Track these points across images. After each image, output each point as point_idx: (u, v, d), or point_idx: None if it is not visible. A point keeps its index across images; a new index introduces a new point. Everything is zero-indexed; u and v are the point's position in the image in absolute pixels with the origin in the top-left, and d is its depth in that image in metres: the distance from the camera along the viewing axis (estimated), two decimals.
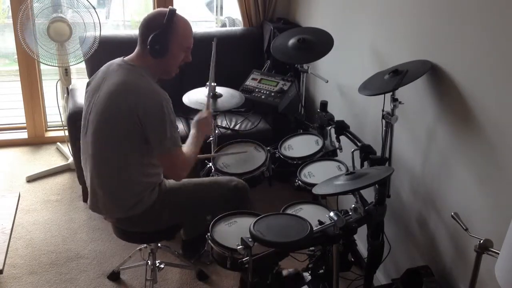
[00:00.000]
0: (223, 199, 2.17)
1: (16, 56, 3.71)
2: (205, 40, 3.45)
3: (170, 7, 1.99)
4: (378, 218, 1.99)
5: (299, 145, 2.48)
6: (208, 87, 2.51)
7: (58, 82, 3.38)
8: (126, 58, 2.04)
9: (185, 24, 2.02)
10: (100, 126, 1.98)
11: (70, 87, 3.31)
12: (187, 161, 2.05)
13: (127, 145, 1.97)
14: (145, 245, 2.47)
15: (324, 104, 2.50)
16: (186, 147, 2.10)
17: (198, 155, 2.19)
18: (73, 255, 2.69)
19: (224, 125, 3.16)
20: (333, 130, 2.35)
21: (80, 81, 3.53)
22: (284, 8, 3.74)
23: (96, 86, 2.04)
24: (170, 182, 2.18)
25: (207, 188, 2.21)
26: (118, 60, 2.05)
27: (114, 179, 2.02)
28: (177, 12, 1.98)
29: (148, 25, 1.98)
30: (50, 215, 3.02)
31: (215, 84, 2.54)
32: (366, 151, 2.04)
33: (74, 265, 2.62)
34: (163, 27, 1.94)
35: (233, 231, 1.90)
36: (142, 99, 1.91)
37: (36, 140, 3.90)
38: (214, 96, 2.58)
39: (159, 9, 2.01)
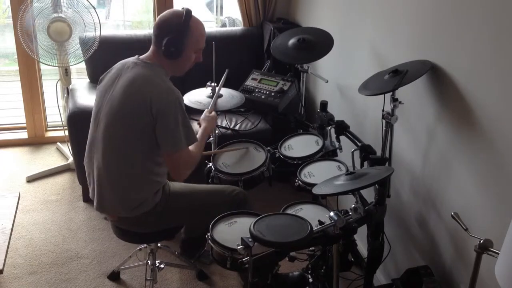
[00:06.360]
0: (223, 207, 2.16)
1: (16, 56, 3.71)
2: (205, 40, 3.47)
3: (186, 8, 1.98)
4: (378, 218, 1.99)
5: (299, 145, 2.48)
6: (214, 90, 2.54)
7: (58, 82, 3.38)
8: (142, 56, 2.06)
9: (200, 26, 2.03)
10: (115, 121, 1.98)
11: (70, 87, 3.32)
12: (192, 159, 2.07)
13: (141, 140, 1.97)
14: (145, 245, 2.47)
15: (324, 104, 2.49)
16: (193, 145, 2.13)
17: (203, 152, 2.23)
18: (73, 255, 2.69)
19: (224, 125, 3.16)
20: (333, 130, 2.35)
21: (80, 81, 3.52)
22: (284, 8, 3.74)
23: (110, 83, 2.04)
24: (175, 185, 2.19)
25: (209, 195, 2.22)
26: (133, 58, 2.07)
27: (123, 174, 2.01)
28: (192, 13, 1.99)
29: (163, 26, 1.98)
30: (50, 215, 3.03)
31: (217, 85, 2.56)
32: (366, 151, 2.04)
33: (74, 265, 2.62)
34: (178, 30, 1.95)
35: (233, 231, 1.90)
36: (158, 94, 1.93)
37: (36, 140, 3.90)
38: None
39: (174, 10, 2.02)
